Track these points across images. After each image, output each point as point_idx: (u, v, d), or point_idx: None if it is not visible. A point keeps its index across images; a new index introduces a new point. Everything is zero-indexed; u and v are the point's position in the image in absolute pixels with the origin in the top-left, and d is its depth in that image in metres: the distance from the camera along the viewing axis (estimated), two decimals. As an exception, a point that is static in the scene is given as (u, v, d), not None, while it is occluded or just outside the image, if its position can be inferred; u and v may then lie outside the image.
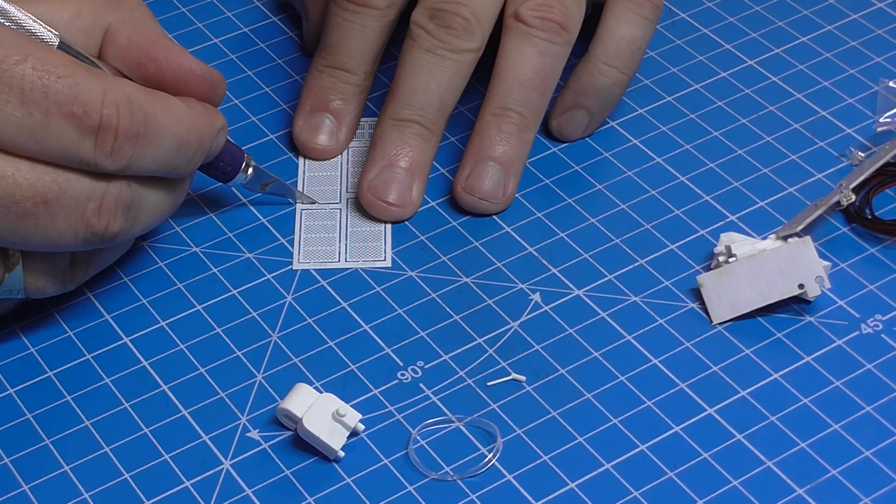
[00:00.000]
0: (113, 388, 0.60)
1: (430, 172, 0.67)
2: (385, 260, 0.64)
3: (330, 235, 0.65)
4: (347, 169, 0.68)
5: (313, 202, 0.67)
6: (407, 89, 0.66)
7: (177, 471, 0.57)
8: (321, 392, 0.58)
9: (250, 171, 0.65)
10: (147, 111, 0.56)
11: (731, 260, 0.62)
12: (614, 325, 0.62)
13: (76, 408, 0.59)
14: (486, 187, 0.65)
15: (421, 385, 0.60)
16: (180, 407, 0.59)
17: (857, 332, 0.61)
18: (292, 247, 0.65)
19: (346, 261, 0.64)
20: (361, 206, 0.66)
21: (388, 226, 0.66)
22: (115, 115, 0.55)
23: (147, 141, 0.56)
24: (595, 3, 0.70)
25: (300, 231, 0.66)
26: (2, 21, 0.56)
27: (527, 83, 0.66)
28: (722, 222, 0.66)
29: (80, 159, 0.55)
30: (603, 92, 0.68)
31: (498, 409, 0.59)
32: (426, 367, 0.60)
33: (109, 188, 0.56)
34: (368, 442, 0.58)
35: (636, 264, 0.64)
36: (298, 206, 0.66)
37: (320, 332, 0.62)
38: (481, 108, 0.66)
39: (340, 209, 0.66)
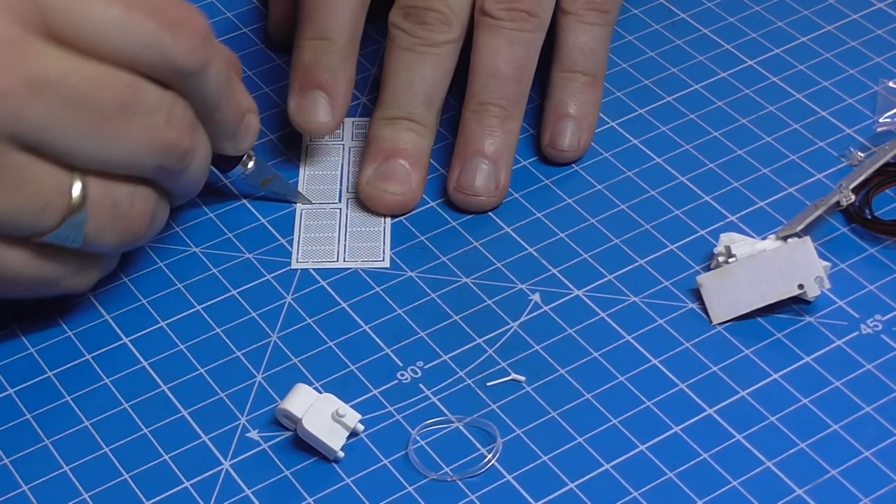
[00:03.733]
0: (113, 388, 0.60)
1: (428, 164, 0.67)
2: (384, 261, 0.64)
3: (329, 235, 0.65)
4: (348, 169, 0.68)
5: (310, 203, 0.67)
6: (392, 89, 0.67)
7: (177, 471, 0.57)
8: (321, 392, 0.58)
9: (251, 164, 0.65)
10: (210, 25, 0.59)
11: (731, 260, 0.62)
12: (614, 325, 0.62)
13: (76, 408, 0.59)
14: (478, 183, 0.66)
15: (421, 385, 0.60)
16: (180, 407, 0.59)
17: (857, 333, 0.61)
18: (292, 247, 0.65)
19: (344, 261, 0.64)
20: (361, 206, 0.66)
21: (388, 226, 0.66)
22: (191, 14, 0.57)
23: (214, 51, 0.58)
24: None
25: (300, 230, 0.66)
26: None
27: (500, 74, 0.66)
28: (722, 222, 0.66)
29: (159, 52, 0.56)
30: (575, 96, 0.68)
31: (498, 410, 0.59)
32: (426, 367, 0.60)
33: (178, 104, 0.58)
34: (368, 442, 0.58)
35: (636, 264, 0.64)
36: (298, 206, 0.66)
37: (320, 332, 0.62)
38: (462, 107, 0.67)
39: (340, 209, 0.66)
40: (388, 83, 0.67)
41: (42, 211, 0.55)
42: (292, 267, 0.64)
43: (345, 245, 0.65)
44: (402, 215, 0.66)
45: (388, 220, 0.66)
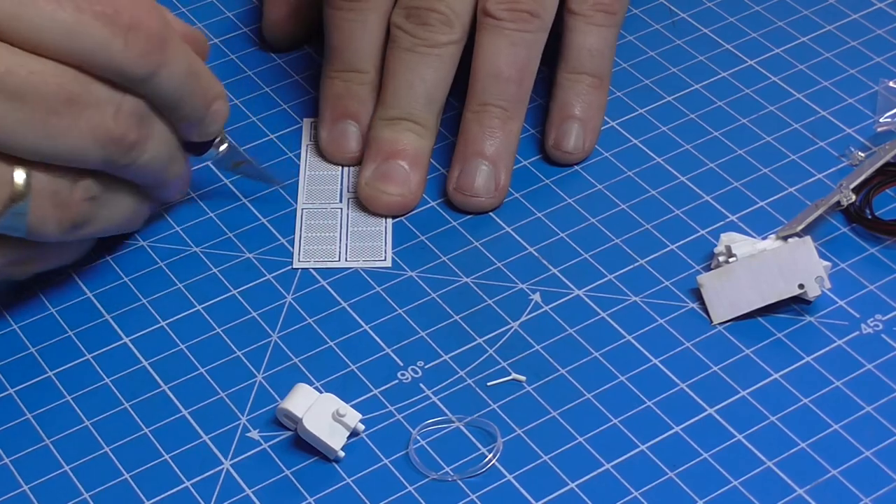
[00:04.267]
0: (113, 388, 0.60)
1: (428, 165, 0.67)
2: (385, 260, 0.64)
3: (330, 235, 0.65)
4: (348, 169, 0.68)
5: (281, 184, 0.67)
6: (393, 90, 0.67)
7: (177, 471, 0.57)
8: (321, 392, 0.58)
9: (223, 147, 0.65)
10: (169, 24, 0.58)
11: (731, 260, 0.62)
12: (614, 325, 0.62)
13: (76, 408, 0.59)
14: (477, 184, 0.66)
15: (421, 385, 0.60)
16: (180, 407, 0.59)
17: (857, 332, 0.61)
18: (292, 247, 0.65)
19: (346, 260, 0.64)
20: (362, 206, 0.66)
21: (389, 226, 0.66)
22: (146, 18, 0.56)
23: (171, 53, 0.57)
24: None
25: (301, 230, 0.66)
26: None
27: (501, 75, 0.66)
28: (722, 222, 0.66)
29: (108, 58, 0.55)
30: (580, 97, 0.68)
31: (498, 409, 0.59)
32: (426, 367, 0.60)
33: (126, 98, 0.57)
34: (368, 442, 0.58)
35: (636, 264, 0.64)
36: (299, 206, 0.66)
37: (320, 332, 0.62)
38: (464, 107, 0.67)
39: (341, 209, 0.66)
40: (389, 84, 0.67)
41: None
42: (293, 266, 0.64)
43: (346, 245, 0.65)
44: (401, 216, 0.66)
45: (389, 219, 0.66)
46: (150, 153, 0.59)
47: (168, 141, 0.61)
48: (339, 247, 0.65)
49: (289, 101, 0.71)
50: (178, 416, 0.59)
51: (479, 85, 0.67)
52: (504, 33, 0.67)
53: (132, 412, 0.59)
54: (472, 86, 0.67)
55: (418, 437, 0.58)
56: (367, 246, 0.65)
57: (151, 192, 0.63)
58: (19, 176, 0.56)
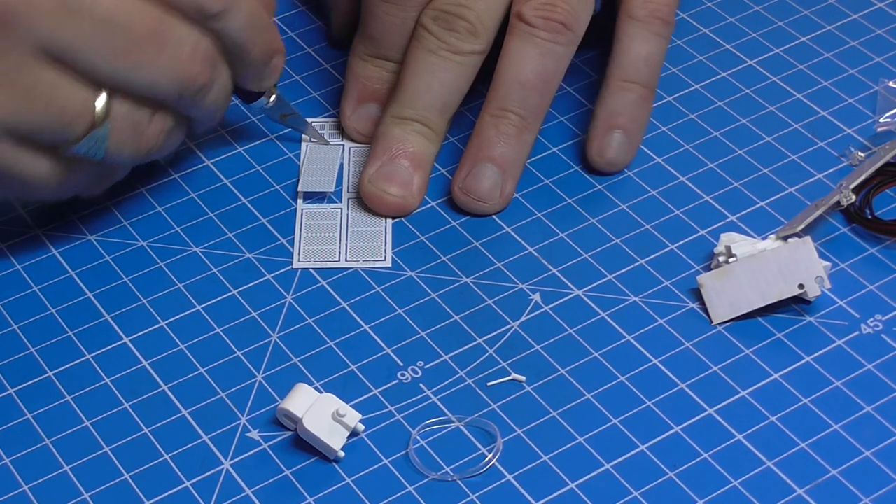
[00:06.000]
0: (113, 388, 0.60)
1: (431, 170, 0.67)
2: (385, 260, 0.64)
3: (330, 235, 0.65)
4: (349, 169, 0.68)
5: (326, 142, 0.69)
6: (410, 89, 0.66)
7: (177, 471, 0.57)
8: (321, 392, 0.58)
9: (273, 97, 0.67)
10: None
11: (731, 260, 0.62)
12: (614, 325, 0.62)
13: (76, 408, 0.59)
14: (483, 188, 0.66)
15: (421, 385, 0.60)
16: (180, 407, 0.59)
17: (857, 332, 0.61)
18: (292, 246, 0.65)
19: (346, 260, 0.64)
20: (362, 205, 0.66)
21: (389, 226, 0.66)
22: None
23: None
24: (604, 7, 0.70)
25: (301, 230, 0.66)
26: None
27: (527, 84, 0.66)
28: (722, 222, 0.66)
29: None
30: (630, 107, 0.68)
31: (498, 409, 0.59)
32: (426, 367, 0.60)
33: (203, 40, 0.61)
34: (368, 442, 0.58)
35: (636, 264, 0.64)
36: (299, 206, 0.67)
37: (320, 332, 0.62)
38: (482, 108, 0.66)
39: (341, 209, 0.66)
40: (407, 83, 0.67)
41: (69, 123, 0.59)
42: (293, 267, 0.64)
43: (346, 245, 0.65)
44: (400, 217, 0.66)
45: (389, 219, 0.66)
46: (214, 95, 0.63)
47: (228, 87, 0.64)
48: (339, 247, 0.65)
49: (292, 99, 0.71)
50: (178, 416, 0.59)
51: (503, 89, 0.66)
52: (535, 42, 0.66)
53: (132, 412, 0.59)
54: (496, 89, 0.66)
55: (418, 437, 0.58)
56: (367, 246, 0.65)
57: (194, 127, 0.65)
58: (101, 102, 0.59)
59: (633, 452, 0.57)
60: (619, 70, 0.68)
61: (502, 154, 0.66)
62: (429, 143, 0.67)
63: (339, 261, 0.64)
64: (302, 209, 0.67)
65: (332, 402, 0.57)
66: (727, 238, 0.63)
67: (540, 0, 0.66)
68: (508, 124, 0.66)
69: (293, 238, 0.65)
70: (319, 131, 0.69)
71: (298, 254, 0.65)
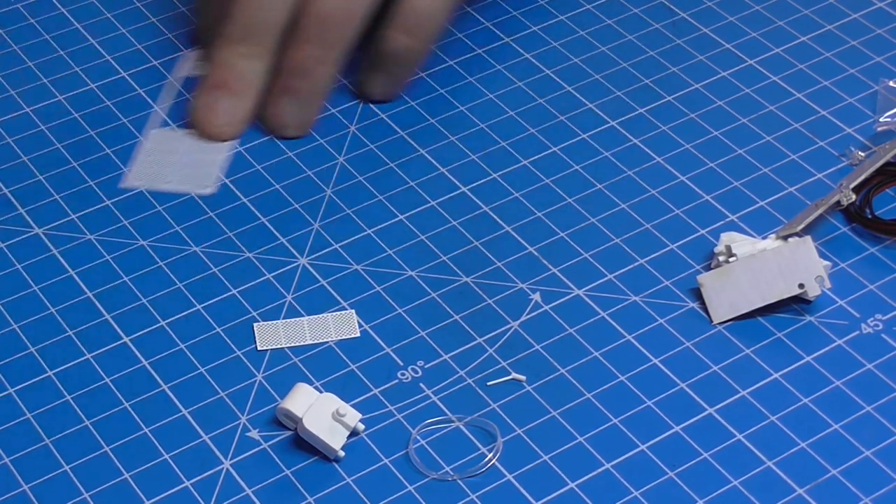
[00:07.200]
0: (113, 388, 0.60)
1: (259, 90, 0.69)
2: (210, 188, 0.66)
3: (165, 159, 0.67)
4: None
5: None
6: (240, 8, 0.68)
7: (177, 471, 0.57)
8: (321, 391, 0.58)
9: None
10: None
11: (731, 260, 0.62)
12: (614, 325, 0.62)
13: (76, 408, 0.59)
14: (285, 118, 0.69)
15: (421, 385, 0.60)
16: (180, 407, 0.59)
17: (857, 332, 0.61)
18: (292, 246, 0.65)
19: (174, 184, 0.66)
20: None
21: (223, 155, 0.68)
22: None
23: None
24: None
25: (140, 153, 0.68)
26: None
27: (328, 19, 0.68)
28: (722, 222, 0.66)
29: None
30: (396, 57, 0.70)
31: (498, 409, 0.59)
32: (426, 367, 0.60)
33: None
34: (368, 442, 0.58)
35: (636, 264, 0.64)
36: (149, 130, 0.69)
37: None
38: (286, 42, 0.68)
39: (186, 136, 0.69)
40: (237, 4, 0.68)
41: None
42: (122, 186, 0.67)
43: (177, 170, 0.67)
44: (229, 142, 0.69)
45: (227, 149, 0.68)
46: None
47: None
48: (170, 170, 0.67)
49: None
50: (178, 415, 0.59)
51: (304, 22, 0.68)
52: None
53: (132, 412, 0.59)
54: (298, 23, 0.68)
55: (418, 437, 0.58)
56: (197, 173, 0.67)
57: None
58: None
59: (633, 452, 0.57)
60: (392, 18, 0.70)
61: (301, 87, 0.68)
62: (257, 63, 0.68)
63: (169, 183, 0.67)
64: (152, 132, 0.69)
65: (332, 401, 0.57)
66: (727, 238, 0.63)
67: None
68: (307, 57, 0.68)
69: (293, 238, 0.65)
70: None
71: (130, 175, 0.67)
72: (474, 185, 0.68)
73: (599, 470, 0.56)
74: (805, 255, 0.61)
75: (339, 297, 0.63)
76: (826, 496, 0.55)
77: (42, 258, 0.64)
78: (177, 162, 0.68)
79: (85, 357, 0.61)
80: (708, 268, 0.64)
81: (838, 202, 0.64)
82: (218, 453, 0.57)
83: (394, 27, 0.70)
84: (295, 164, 0.69)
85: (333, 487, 0.56)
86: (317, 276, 0.64)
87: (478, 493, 0.56)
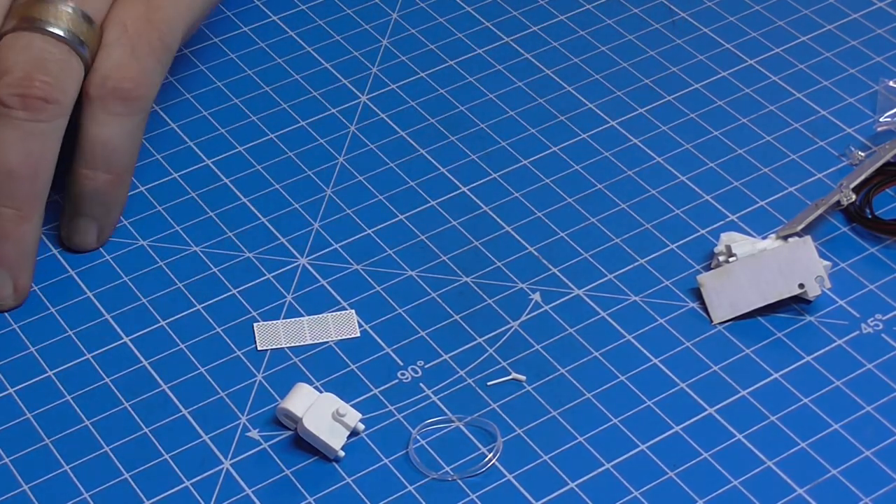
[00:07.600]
0: (113, 388, 0.60)
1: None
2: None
3: None
4: None
5: None
6: None
7: (177, 471, 0.57)
8: (321, 391, 0.58)
9: None
10: None
11: (731, 260, 0.62)
12: (614, 325, 0.62)
13: (76, 408, 0.59)
14: None
15: (421, 385, 0.60)
16: (180, 407, 0.59)
17: (857, 332, 0.61)
18: (292, 246, 0.65)
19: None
20: None
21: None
22: None
23: None
24: None
25: None
26: None
27: (12, 174, 0.61)
28: (722, 222, 0.66)
29: None
30: (95, 196, 0.64)
31: (498, 409, 0.59)
32: (426, 367, 0.60)
33: None
34: (368, 442, 0.58)
35: (636, 264, 0.64)
36: None
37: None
38: None
39: None
40: None
41: None
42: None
43: None
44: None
45: None
46: None
47: None
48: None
49: (288, 100, 0.71)
50: (177, 415, 0.59)
51: None
52: (14, 124, 0.61)
53: (132, 412, 0.59)
54: None
55: (418, 437, 0.58)
56: None
57: None
58: None
59: (633, 452, 0.57)
60: (80, 156, 0.63)
61: (5, 254, 0.61)
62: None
63: None
64: None
65: (332, 401, 0.57)
66: (727, 238, 0.63)
67: (14, 76, 0.61)
68: (4, 221, 0.61)
69: (293, 237, 0.65)
70: None
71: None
72: (474, 185, 0.68)
73: (599, 470, 0.56)
74: (805, 255, 0.61)
75: (339, 297, 0.63)
76: (826, 496, 0.55)
77: (42, 258, 0.64)
78: None
79: (85, 357, 0.61)
80: (708, 268, 0.64)
81: (838, 202, 0.64)
82: (218, 453, 0.57)
83: (81, 164, 0.63)
84: (295, 164, 0.69)
85: (333, 487, 0.56)
86: (317, 276, 0.64)
87: (478, 493, 0.56)
